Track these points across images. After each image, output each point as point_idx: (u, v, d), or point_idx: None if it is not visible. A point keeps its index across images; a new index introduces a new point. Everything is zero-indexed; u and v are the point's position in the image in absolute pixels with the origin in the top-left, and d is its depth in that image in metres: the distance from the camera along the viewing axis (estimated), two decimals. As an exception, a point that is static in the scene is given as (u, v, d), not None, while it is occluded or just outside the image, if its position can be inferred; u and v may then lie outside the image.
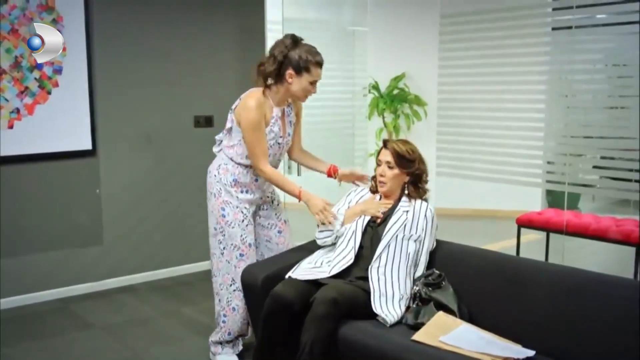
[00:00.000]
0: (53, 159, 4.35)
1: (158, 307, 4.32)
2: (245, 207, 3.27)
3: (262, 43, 5.27)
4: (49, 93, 4.28)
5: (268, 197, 3.42)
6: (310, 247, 3.30)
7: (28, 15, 4.13)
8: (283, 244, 3.46)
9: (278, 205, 3.51)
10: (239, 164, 3.24)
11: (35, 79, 4.22)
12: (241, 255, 3.26)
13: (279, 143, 3.28)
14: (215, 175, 3.27)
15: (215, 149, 3.40)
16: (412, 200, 3.11)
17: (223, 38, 5.05)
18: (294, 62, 3.08)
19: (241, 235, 3.26)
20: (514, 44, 4.72)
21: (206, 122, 5.02)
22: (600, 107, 4.64)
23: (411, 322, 2.76)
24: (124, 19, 4.56)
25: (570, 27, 4.38)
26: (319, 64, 3.12)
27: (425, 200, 3.15)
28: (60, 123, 4.35)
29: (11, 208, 4.21)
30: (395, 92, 7.20)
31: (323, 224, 3.13)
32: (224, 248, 3.28)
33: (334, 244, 3.17)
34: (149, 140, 4.75)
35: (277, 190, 3.46)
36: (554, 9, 4.74)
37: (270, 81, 3.16)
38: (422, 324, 2.70)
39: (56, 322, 4.03)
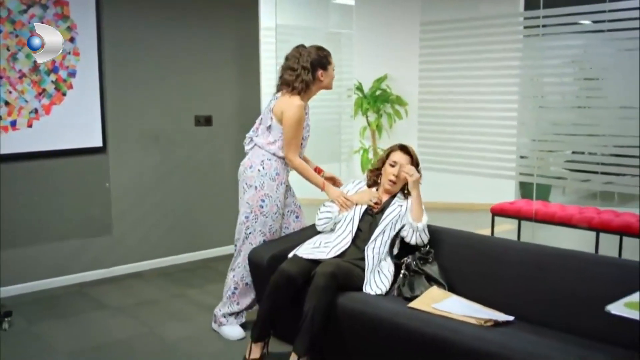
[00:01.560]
0: (67, 155, 4.70)
1: (165, 290, 4.70)
2: (280, 201, 3.70)
3: (257, 48, 5.69)
4: (64, 95, 4.64)
5: (288, 185, 3.86)
6: (311, 231, 3.74)
7: (46, 23, 4.47)
8: (299, 228, 3.91)
9: (294, 193, 3.94)
10: (280, 157, 3.66)
11: (52, 81, 4.58)
12: (264, 241, 3.69)
13: (309, 135, 3.76)
14: (259, 170, 3.64)
15: (247, 147, 3.79)
16: (406, 197, 3.58)
17: (221, 44, 5.44)
18: (317, 63, 3.60)
19: (270, 225, 3.69)
20: (489, 49, 5.16)
21: (206, 121, 5.41)
22: (567, 107, 5.06)
23: (407, 295, 3.18)
24: (132, 28, 4.93)
25: (537, 35, 4.84)
26: (330, 53, 3.68)
27: None
28: (74, 122, 4.71)
29: (29, 201, 4.57)
30: (378, 92, 7.67)
31: (343, 207, 3.59)
32: (250, 233, 3.68)
33: (332, 230, 3.61)
34: (154, 138, 5.13)
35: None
36: (525, 18, 5.20)
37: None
38: (417, 296, 3.13)
39: (75, 304, 4.40)
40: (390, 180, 3.54)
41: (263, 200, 3.66)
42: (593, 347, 2.66)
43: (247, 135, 3.82)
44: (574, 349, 2.60)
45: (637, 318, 2.29)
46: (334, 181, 3.87)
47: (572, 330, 2.86)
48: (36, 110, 4.53)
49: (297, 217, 3.93)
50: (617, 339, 2.68)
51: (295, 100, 3.59)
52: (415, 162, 3.58)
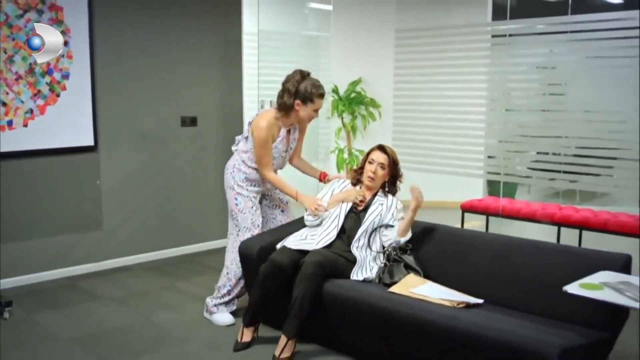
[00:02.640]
0: (60, 153, 4.91)
1: (154, 282, 4.94)
2: (254, 196, 3.99)
3: (239, 52, 5.96)
4: (58, 96, 4.85)
5: (269, 187, 4.13)
6: (296, 225, 4.03)
7: (40, 27, 4.71)
8: (286, 221, 4.20)
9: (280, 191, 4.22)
10: (249, 166, 3.94)
11: (47, 83, 4.78)
12: (252, 236, 3.96)
13: (282, 156, 4.01)
14: (230, 173, 3.97)
15: (233, 148, 4.07)
16: (386, 195, 3.89)
17: (206, 48, 5.70)
18: (300, 94, 3.79)
19: (251, 219, 3.96)
20: (460, 56, 5.49)
21: (191, 122, 5.66)
22: (532, 110, 5.38)
23: (387, 281, 3.50)
24: (122, 33, 5.16)
25: (505, 44, 5.19)
26: (321, 95, 3.85)
27: (394, 195, 3.93)
28: (67, 122, 4.92)
29: (24, 197, 4.77)
30: (353, 95, 7.97)
31: (315, 215, 3.85)
32: (238, 231, 3.97)
33: (318, 225, 3.90)
34: (143, 137, 5.37)
35: None
36: (493, 28, 5.56)
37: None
38: (396, 282, 3.45)
39: (70, 296, 4.61)
40: (369, 177, 3.84)
41: (236, 199, 3.97)
42: (553, 325, 2.99)
43: (237, 137, 4.10)
44: (536, 326, 2.93)
45: (590, 296, 2.64)
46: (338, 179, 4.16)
47: (534, 311, 3.20)
48: (31, 111, 4.73)
49: (282, 211, 4.23)
50: (575, 318, 3.02)
51: (262, 122, 3.82)
52: (393, 161, 3.86)
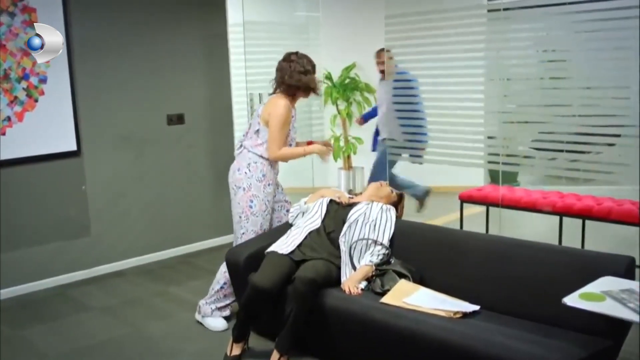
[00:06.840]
0: (42, 160, 4.76)
1: (147, 288, 4.81)
2: (268, 200, 3.90)
3: (225, 45, 5.77)
4: (36, 101, 4.69)
5: (277, 183, 4.06)
6: (283, 230, 3.90)
7: (14, 30, 4.52)
8: None
9: (282, 189, 4.15)
10: (266, 159, 3.85)
11: (23, 88, 4.61)
12: (239, 244, 3.84)
13: (295, 137, 3.98)
14: (246, 173, 3.85)
15: (236, 151, 3.99)
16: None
17: (189, 43, 5.50)
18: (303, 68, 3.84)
19: (261, 223, 3.88)
20: (454, 41, 5.27)
21: (178, 119, 5.49)
22: (533, 93, 5.16)
23: (379, 290, 3.34)
24: (100, 31, 4.97)
25: (500, 18, 4.96)
26: (314, 67, 3.93)
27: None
28: (47, 128, 4.76)
29: (8, 207, 4.63)
30: (347, 81, 7.74)
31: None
32: (243, 233, 3.88)
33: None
34: (128, 138, 5.20)
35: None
36: (489, 10, 5.33)
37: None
38: (388, 290, 3.30)
39: (59, 307, 4.49)
40: (380, 183, 4.07)
41: (251, 201, 3.85)
42: (552, 334, 2.83)
43: (238, 140, 4.05)
44: (534, 338, 2.76)
45: (591, 309, 2.48)
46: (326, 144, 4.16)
47: (532, 317, 3.04)
48: (9, 118, 4.57)
49: (287, 210, 4.14)
50: (575, 324, 2.86)
51: (281, 102, 3.81)
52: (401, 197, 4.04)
